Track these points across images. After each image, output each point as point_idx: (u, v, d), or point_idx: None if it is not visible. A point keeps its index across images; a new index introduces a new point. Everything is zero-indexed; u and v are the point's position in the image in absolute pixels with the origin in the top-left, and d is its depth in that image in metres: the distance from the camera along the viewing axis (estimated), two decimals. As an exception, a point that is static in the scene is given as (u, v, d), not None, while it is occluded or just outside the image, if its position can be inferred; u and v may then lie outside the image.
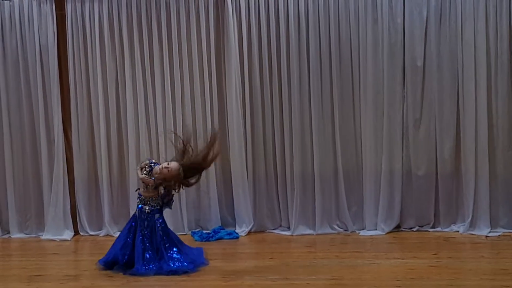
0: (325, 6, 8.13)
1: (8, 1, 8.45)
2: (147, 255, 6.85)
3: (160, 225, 6.94)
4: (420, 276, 6.39)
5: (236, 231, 8.42)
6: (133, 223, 7.01)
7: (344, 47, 8.18)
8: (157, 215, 6.96)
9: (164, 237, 6.94)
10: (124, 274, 6.81)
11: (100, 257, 7.20)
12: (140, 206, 6.99)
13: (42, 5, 8.42)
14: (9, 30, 8.49)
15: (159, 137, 8.41)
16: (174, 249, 6.97)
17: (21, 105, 8.60)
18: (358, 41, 8.15)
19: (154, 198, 6.97)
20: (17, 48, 8.51)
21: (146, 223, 6.92)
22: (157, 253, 6.89)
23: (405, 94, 8.14)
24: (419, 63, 8.07)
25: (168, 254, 6.90)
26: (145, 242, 6.87)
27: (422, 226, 8.27)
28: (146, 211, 6.94)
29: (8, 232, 8.77)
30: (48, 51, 8.45)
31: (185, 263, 6.88)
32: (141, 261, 6.82)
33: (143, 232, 6.91)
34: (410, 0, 8.01)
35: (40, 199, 8.70)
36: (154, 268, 6.80)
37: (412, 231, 8.23)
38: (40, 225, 8.71)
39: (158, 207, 6.99)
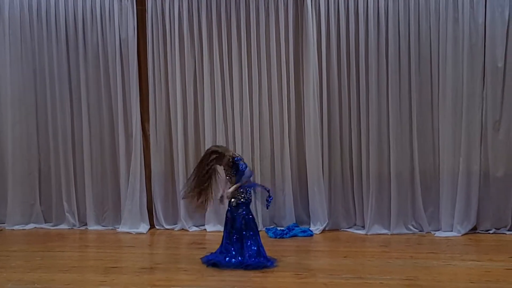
0: (405, 4, 8.10)
1: (90, -4, 8.60)
2: (231, 249, 6.89)
3: (242, 217, 6.91)
4: (496, 279, 6.32)
5: (311, 228, 8.43)
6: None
7: (423, 47, 8.13)
8: (241, 209, 6.94)
9: (245, 231, 6.91)
10: (207, 266, 6.89)
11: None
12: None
13: (123, 0, 8.54)
14: (90, 24, 8.63)
15: (236, 133, 8.50)
16: (255, 243, 6.94)
17: (101, 99, 8.74)
18: (438, 40, 8.10)
19: (239, 191, 6.96)
20: (97, 42, 8.64)
21: (231, 215, 6.97)
22: (240, 246, 6.90)
23: (484, 95, 8.06)
24: (500, 64, 7.98)
25: (248, 249, 6.87)
26: (230, 235, 6.92)
27: (499, 229, 8.18)
28: (233, 204, 6.96)
29: (85, 224, 8.92)
30: (128, 45, 8.57)
31: (264, 259, 6.89)
32: (224, 253, 6.91)
33: (229, 225, 6.98)
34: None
35: (117, 192, 8.84)
36: (234, 262, 6.82)
37: (489, 233, 8.16)
38: (117, 218, 8.85)
39: (243, 200, 6.95)
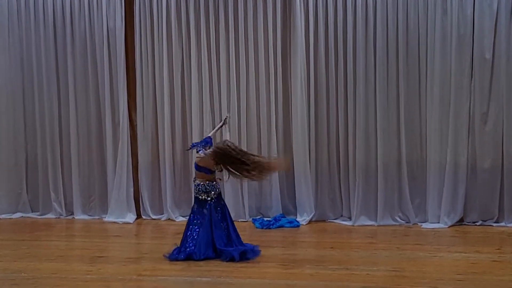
0: (394, -5, 8.09)
1: (78, -15, 8.57)
2: (202, 240, 6.80)
3: (222, 207, 6.89)
4: (483, 270, 6.31)
5: (297, 219, 8.43)
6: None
7: (411, 38, 8.11)
8: (222, 200, 6.96)
9: (228, 220, 6.88)
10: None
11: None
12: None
13: (110, -11, 8.54)
14: (78, 14, 8.63)
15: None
16: (224, 234, 6.87)
17: (88, 88, 8.74)
18: (426, 31, 8.08)
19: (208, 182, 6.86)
20: (85, 31, 8.65)
21: (209, 210, 6.88)
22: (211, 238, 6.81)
23: (472, 87, 8.04)
24: (488, 55, 7.95)
25: (217, 240, 6.79)
26: (198, 227, 6.83)
27: (485, 221, 8.17)
28: (213, 196, 6.90)
29: (72, 213, 8.93)
30: (115, 35, 8.56)
31: (232, 250, 6.74)
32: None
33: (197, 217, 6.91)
34: (480, -9, 7.92)
35: (104, 182, 8.84)
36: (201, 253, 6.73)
37: (476, 225, 8.15)
38: (104, 208, 8.85)
39: (209, 189, 6.87)
